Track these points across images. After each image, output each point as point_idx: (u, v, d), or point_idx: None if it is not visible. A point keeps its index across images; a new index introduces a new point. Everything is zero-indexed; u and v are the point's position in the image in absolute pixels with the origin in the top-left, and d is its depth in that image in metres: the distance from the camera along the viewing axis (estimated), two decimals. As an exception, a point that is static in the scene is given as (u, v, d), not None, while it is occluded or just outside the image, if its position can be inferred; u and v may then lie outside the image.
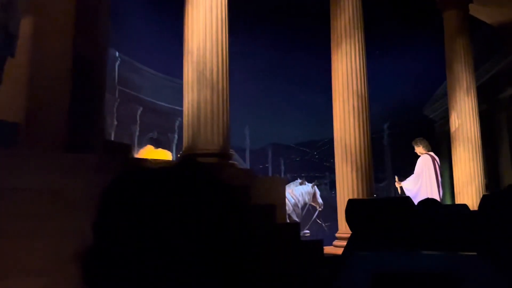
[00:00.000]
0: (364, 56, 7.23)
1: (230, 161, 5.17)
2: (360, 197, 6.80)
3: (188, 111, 5.23)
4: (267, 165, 16.39)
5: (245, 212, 0.75)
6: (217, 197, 0.73)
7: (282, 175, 15.64)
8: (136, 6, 11.10)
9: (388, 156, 16.85)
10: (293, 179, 11.65)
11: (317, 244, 4.50)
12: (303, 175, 14.65)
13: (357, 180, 6.86)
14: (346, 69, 7.10)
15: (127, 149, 5.03)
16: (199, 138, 5.10)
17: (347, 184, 6.90)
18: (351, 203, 2.11)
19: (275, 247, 3.81)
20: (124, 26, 10.28)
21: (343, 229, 6.90)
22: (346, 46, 7.16)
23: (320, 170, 17.08)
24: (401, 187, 9.06)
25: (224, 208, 0.72)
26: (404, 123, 16.67)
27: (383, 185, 16.25)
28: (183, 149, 5.26)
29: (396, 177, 9.22)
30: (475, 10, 10.99)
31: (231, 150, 5.33)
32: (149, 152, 6.28)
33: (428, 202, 2.65)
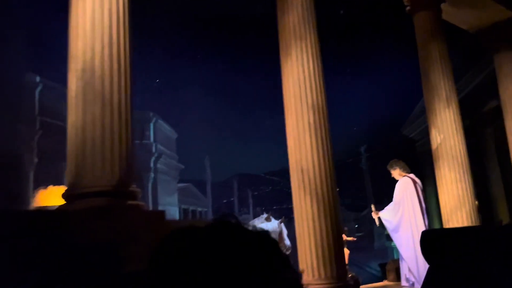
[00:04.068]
0: (319, 62, 6.09)
1: (132, 202, 3.85)
2: (324, 235, 5.52)
3: (71, 136, 3.95)
4: (232, 199, 15.00)
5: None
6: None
7: (251, 209, 14.28)
8: (64, 26, 9.88)
9: (367, 182, 15.68)
10: (264, 212, 10.31)
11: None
12: (274, 207, 13.36)
13: (319, 214, 5.57)
14: (298, 77, 5.94)
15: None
16: (85, 172, 3.79)
17: (307, 220, 5.61)
18: (426, 234, 2.01)
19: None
20: (50, 49, 9.07)
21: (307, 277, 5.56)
22: (296, 50, 6.03)
23: (294, 202, 15.80)
24: (379, 218, 7.81)
25: None
26: (383, 144, 15.63)
27: (364, 213, 15.02)
28: (66, 186, 3.94)
29: (373, 206, 7.98)
30: (448, 14, 10.09)
31: (133, 186, 4.01)
32: (48, 194, 4.96)
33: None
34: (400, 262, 7.71)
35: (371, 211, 8.01)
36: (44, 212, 3.64)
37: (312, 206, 5.62)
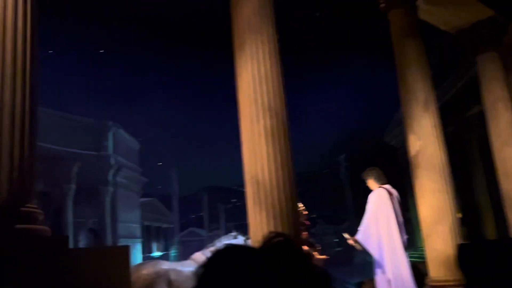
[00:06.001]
0: (278, 60, 5.44)
1: (23, 226, 3.11)
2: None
3: None
4: (201, 214, 14.22)
5: None
6: None
7: (223, 224, 13.51)
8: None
9: (348, 192, 15.05)
10: (236, 228, 9.62)
11: None
12: (247, 222, 12.61)
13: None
14: (253, 77, 5.28)
15: None
16: (-39, 189, 3.05)
17: (263, 238, 4.90)
18: (463, 248, 1.15)
19: None
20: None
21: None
22: (251, 46, 5.37)
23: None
24: (356, 241, 7.05)
25: None
26: (363, 153, 15.05)
27: (344, 226, 14.36)
28: None
29: (346, 234, 7.14)
30: (426, 13, 9.57)
31: (33, 205, 3.27)
32: None
33: None
34: (376, 279, 7.04)
35: (347, 239, 7.21)
36: None
37: (268, 223, 4.93)
